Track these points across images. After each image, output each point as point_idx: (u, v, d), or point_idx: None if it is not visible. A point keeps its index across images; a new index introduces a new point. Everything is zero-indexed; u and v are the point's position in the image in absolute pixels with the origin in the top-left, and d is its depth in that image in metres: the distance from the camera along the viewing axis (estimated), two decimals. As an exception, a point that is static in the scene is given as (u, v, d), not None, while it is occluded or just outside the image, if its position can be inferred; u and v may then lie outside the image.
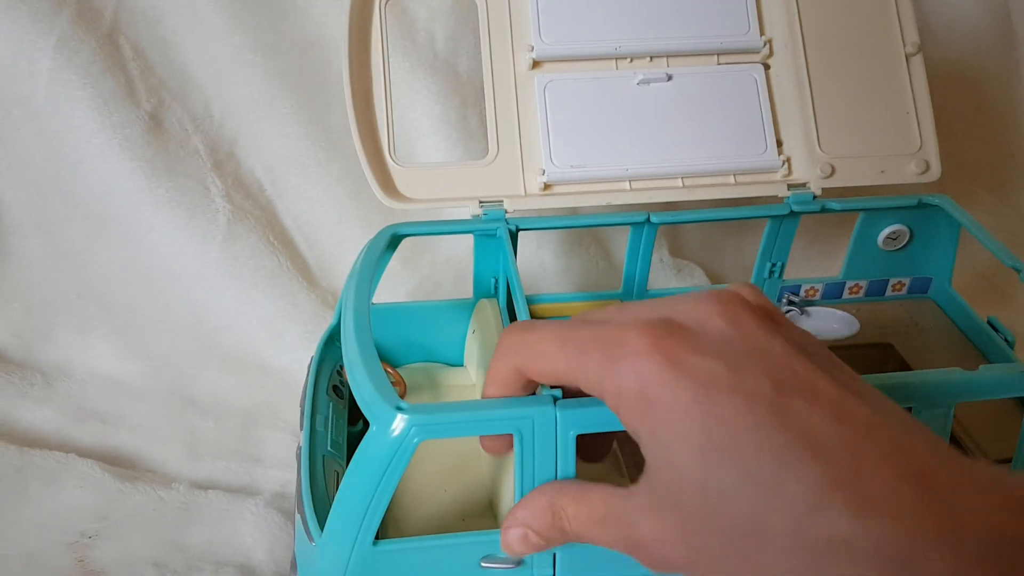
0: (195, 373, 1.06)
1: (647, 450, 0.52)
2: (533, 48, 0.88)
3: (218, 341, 1.08)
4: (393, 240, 0.86)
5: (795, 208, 0.89)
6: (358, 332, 0.71)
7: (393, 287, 1.12)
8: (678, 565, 0.53)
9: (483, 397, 0.64)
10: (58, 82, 1.02)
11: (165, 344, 1.07)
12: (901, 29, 0.93)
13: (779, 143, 0.90)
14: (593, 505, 0.58)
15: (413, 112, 1.10)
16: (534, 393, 0.63)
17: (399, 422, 0.62)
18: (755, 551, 0.48)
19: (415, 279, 1.14)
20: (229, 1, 1.06)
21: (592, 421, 0.64)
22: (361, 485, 0.64)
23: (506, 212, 0.86)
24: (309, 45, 1.08)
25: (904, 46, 0.92)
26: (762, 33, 0.91)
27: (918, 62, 0.92)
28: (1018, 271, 0.81)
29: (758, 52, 0.91)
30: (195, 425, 1.00)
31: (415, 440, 0.62)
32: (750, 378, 0.49)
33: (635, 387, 0.51)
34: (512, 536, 0.61)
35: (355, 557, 0.65)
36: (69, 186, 1.05)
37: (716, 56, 0.91)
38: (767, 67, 0.92)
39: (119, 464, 0.95)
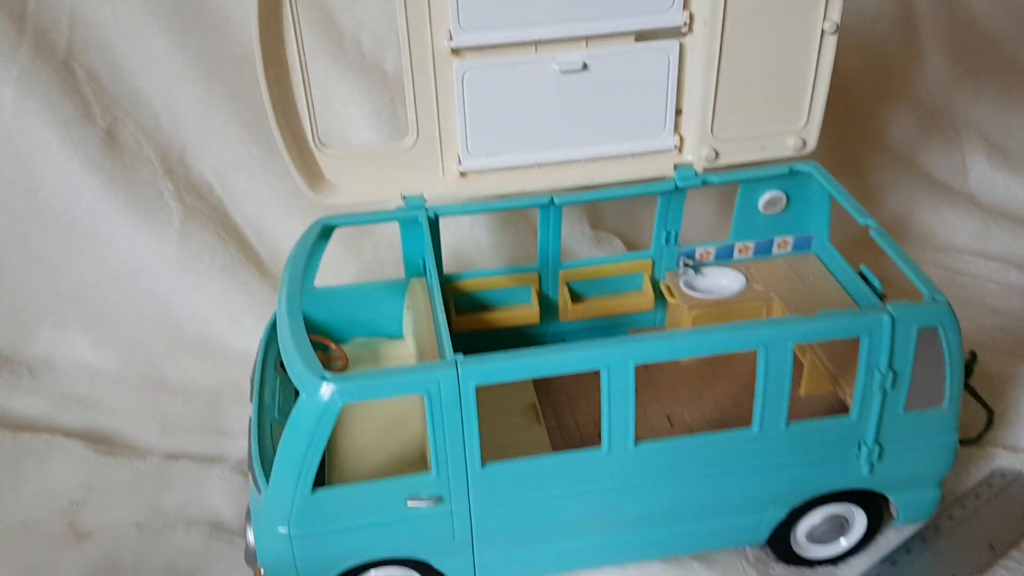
0: (164, 358, 1.18)
1: None
2: (452, 36, 0.87)
3: (183, 329, 1.20)
4: (325, 231, 0.96)
5: (679, 184, 0.99)
6: (290, 316, 0.82)
7: (340, 270, 1.23)
8: None
9: None
10: (22, 109, 1.14)
11: (135, 334, 1.19)
12: (827, 4, 0.91)
13: (679, 113, 0.95)
14: None
15: (346, 111, 1.21)
16: None
17: (323, 388, 0.74)
18: None
19: (361, 261, 1.25)
20: (171, 23, 1.17)
21: (491, 372, 0.76)
22: (296, 442, 0.76)
23: (425, 201, 0.97)
24: (245, 57, 1.18)
25: (824, 21, 0.91)
26: (685, 8, 0.90)
27: (831, 42, 0.93)
28: (869, 228, 0.92)
29: (679, 29, 0.91)
30: (166, 404, 1.12)
31: (338, 403, 0.74)
32: None
33: None
34: None
35: (297, 503, 0.77)
36: (40, 201, 1.17)
37: (634, 35, 0.91)
38: (683, 46, 0.92)
39: (100, 442, 1.07)
